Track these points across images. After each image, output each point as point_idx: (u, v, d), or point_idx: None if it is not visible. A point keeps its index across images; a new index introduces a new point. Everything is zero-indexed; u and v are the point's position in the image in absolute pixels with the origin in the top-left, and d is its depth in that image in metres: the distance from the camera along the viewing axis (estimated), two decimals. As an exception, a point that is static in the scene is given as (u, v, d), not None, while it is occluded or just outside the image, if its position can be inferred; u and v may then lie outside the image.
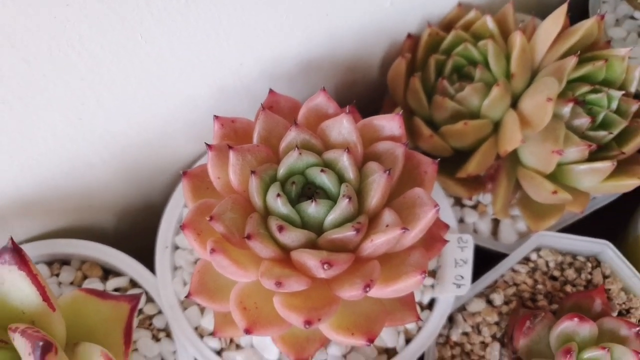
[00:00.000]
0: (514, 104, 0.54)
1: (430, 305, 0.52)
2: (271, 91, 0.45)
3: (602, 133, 0.51)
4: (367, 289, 0.37)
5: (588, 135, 0.51)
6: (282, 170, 0.40)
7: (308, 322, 0.37)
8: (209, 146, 0.41)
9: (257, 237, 0.37)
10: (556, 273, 0.55)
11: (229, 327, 0.44)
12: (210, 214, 0.38)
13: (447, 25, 0.60)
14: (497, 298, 0.54)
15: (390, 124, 0.43)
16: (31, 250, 0.50)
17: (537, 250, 0.56)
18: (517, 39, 0.53)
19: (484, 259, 0.57)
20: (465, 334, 0.53)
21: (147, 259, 0.53)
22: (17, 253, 0.39)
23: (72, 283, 0.53)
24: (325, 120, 0.42)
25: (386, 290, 0.39)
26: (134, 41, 0.42)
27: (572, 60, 0.50)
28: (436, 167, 0.43)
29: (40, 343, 0.35)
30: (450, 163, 0.56)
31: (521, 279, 0.55)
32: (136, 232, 0.61)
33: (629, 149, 0.52)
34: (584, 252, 0.56)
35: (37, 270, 0.40)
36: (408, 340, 0.50)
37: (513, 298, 0.54)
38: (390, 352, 0.50)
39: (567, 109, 0.51)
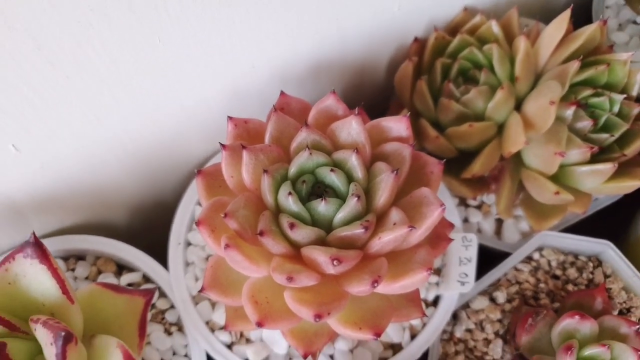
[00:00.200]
0: (518, 106, 0.55)
1: (435, 302, 0.53)
2: (282, 93, 0.46)
3: (604, 135, 0.52)
4: (375, 285, 0.38)
5: (590, 137, 0.52)
6: (293, 170, 0.41)
7: (318, 316, 0.38)
8: (223, 146, 0.42)
9: (269, 234, 0.39)
10: (558, 272, 0.56)
11: (240, 321, 0.45)
12: (225, 211, 0.39)
13: (453, 29, 0.61)
14: (500, 296, 0.55)
15: (397, 125, 0.44)
16: (48, 246, 0.51)
17: (540, 249, 0.57)
18: (522, 43, 0.54)
19: (488, 258, 0.58)
20: (469, 330, 0.54)
21: (160, 255, 0.54)
22: (38, 247, 0.40)
23: (87, 278, 0.54)
24: (335, 121, 0.43)
25: (393, 286, 0.40)
26: (152, 44, 0.43)
27: (575, 65, 0.51)
28: (442, 168, 0.44)
29: (62, 333, 0.36)
30: (455, 164, 0.57)
31: (524, 277, 0.56)
32: (149, 229, 0.62)
33: (631, 151, 0.53)
34: (586, 252, 0.57)
35: (57, 264, 0.41)
36: (413, 336, 0.51)
37: (516, 296, 0.55)
38: (396, 348, 0.51)
39: (569, 112, 0.52)
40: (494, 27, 0.57)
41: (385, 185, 0.40)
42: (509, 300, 0.55)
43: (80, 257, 0.55)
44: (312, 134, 0.42)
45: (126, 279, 0.53)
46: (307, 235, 0.39)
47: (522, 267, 0.56)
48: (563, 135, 0.51)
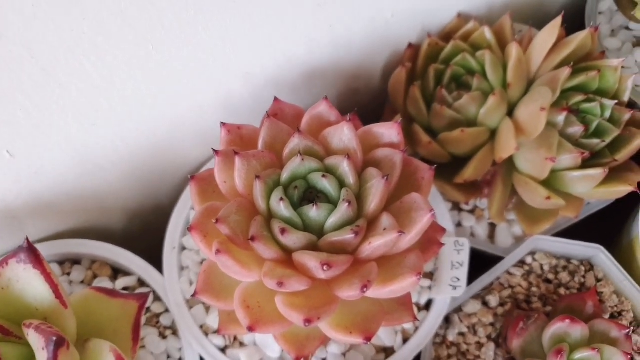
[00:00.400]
0: (510, 112, 0.56)
1: (427, 306, 0.53)
2: (276, 99, 0.47)
3: (595, 141, 0.52)
4: (365, 290, 0.38)
5: (581, 142, 0.53)
6: (285, 175, 0.42)
7: (308, 321, 0.38)
8: (216, 152, 0.42)
9: (261, 239, 0.39)
10: (550, 276, 0.57)
11: (233, 325, 0.45)
12: (217, 217, 0.39)
13: (447, 35, 0.62)
14: (493, 300, 0.55)
15: (389, 131, 0.44)
16: (44, 250, 0.51)
17: (532, 253, 0.58)
18: (514, 50, 0.54)
19: (481, 262, 0.58)
20: (462, 334, 0.55)
21: (155, 259, 0.54)
22: (32, 252, 0.41)
23: (82, 282, 0.54)
24: (327, 127, 0.44)
25: (383, 291, 0.40)
26: (145, 51, 0.43)
27: (566, 71, 0.52)
28: (433, 174, 0.45)
29: (54, 338, 0.36)
30: (448, 169, 0.57)
31: (516, 281, 0.56)
32: (145, 233, 0.63)
33: (622, 156, 0.53)
34: (578, 256, 0.58)
35: (50, 269, 0.41)
36: (405, 340, 0.52)
37: (508, 300, 0.55)
38: (388, 351, 0.52)
39: (561, 118, 0.52)
40: (487, 33, 0.57)
41: (376, 190, 0.41)
42: (501, 304, 0.55)
43: (75, 261, 0.56)
44: (305, 140, 0.42)
45: (121, 282, 0.54)
46: (299, 240, 0.40)
47: (515, 271, 0.57)
48: (554, 141, 0.52)
